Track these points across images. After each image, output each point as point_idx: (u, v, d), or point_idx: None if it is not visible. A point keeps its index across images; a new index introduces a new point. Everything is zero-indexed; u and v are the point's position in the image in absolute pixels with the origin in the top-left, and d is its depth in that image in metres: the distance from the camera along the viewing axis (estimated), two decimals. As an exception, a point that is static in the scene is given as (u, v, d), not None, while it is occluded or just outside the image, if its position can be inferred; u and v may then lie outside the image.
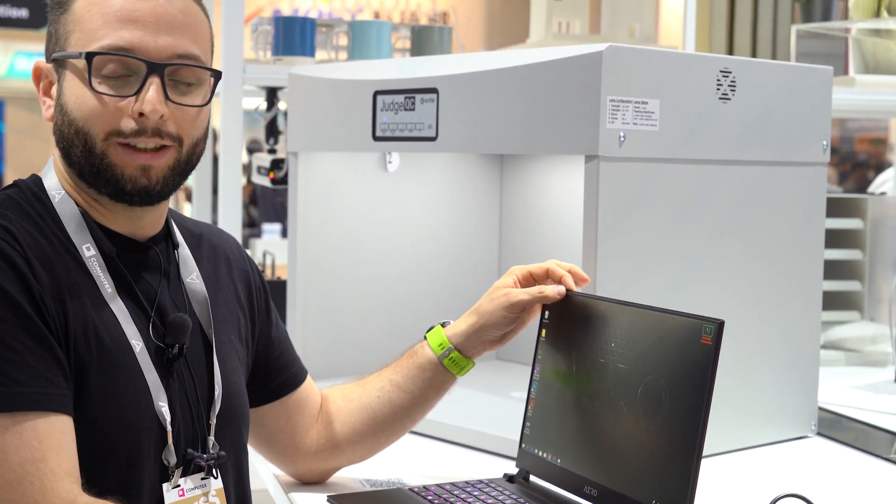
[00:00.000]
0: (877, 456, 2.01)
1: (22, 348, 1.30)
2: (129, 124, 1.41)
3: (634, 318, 1.51)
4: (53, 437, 1.29)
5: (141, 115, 1.40)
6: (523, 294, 1.66)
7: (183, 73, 1.44)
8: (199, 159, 1.51)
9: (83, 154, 1.42)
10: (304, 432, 1.73)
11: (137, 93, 1.41)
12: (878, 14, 3.31)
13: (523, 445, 1.67)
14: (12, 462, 1.27)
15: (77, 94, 1.42)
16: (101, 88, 1.40)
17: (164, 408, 1.42)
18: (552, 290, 1.64)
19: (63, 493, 1.27)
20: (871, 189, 5.18)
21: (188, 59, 1.44)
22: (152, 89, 1.40)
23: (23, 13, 11.30)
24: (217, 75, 1.49)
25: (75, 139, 1.42)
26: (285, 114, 2.97)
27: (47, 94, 1.48)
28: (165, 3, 1.43)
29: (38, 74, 1.49)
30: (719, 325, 1.39)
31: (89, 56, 1.40)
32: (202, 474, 1.47)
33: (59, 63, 1.45)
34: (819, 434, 2.13)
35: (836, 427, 2.21)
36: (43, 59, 1.48)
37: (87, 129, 1.41)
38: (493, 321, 1.67)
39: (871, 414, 2.34)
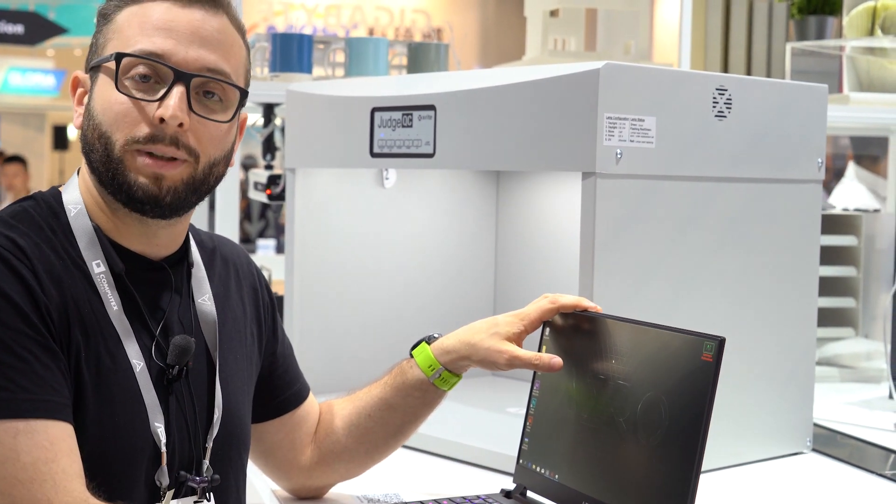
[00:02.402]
0: (871, 472, 2.02)
1: (30, 357, 1.31)
2: (144, 130, 1.40)
3: (635, 335, 1.52)
4: (63, 441, 1.30)
5: (161, 121, 1.40)
6: (519, 362, 1.61)
7: (211, 87, 1.44)
8: (216, 182, 1.49)
9: (102, 159, 1.42)
10: (301, 449, 1.73)
11: (161, 99, 1.41)
12: (872, 32, 3.32)
13: (521, 461, 1.67)
14: (25, 462, 1.28)
15: (104, 98, 1.42)
16: (124, 88, 1.41)
17: (160, 429, 1.41)
18: (546, 363, 1.59)
19: (76, 492, 1.29)
20: (830, 201, 5.22)
21: (217, 74, 1.44)
22: (176, 96, 1.40)
23: (18, 29, 11.30)
24: (244, 94, 1.49)
25: (97, 143, 1.42)
26: (282, 130, 2.98)
27: (80, 103, 1.48)
28: (202, 19, 1.43)
29: (75, 84, 1.49)
30: (720, 343, 1.39)
31: (119, 56, 1.41)
32: (195, 497, 1.46)
33: (95, 70, 1.45)
34: (814, 450, 2.13)
35: (830, 443, 2.22)
36: (82, 71, 1.49)
37: (109, 134, 1.41)
38: (485, 363, 1.64)
39: (865, 430, 2.35)
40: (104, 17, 1.47)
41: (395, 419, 1.70)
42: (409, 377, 1.69)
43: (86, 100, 1.47)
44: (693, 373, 1.41)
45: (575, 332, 1.62)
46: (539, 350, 1.67)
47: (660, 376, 1.45)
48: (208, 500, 1.48)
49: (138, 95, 1.41)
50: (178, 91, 1.40)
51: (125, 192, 1.42)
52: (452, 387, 1.70)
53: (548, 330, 1.66)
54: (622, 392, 1.50)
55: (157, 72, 1.42)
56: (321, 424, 1.75)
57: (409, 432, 1.73)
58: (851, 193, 5.13)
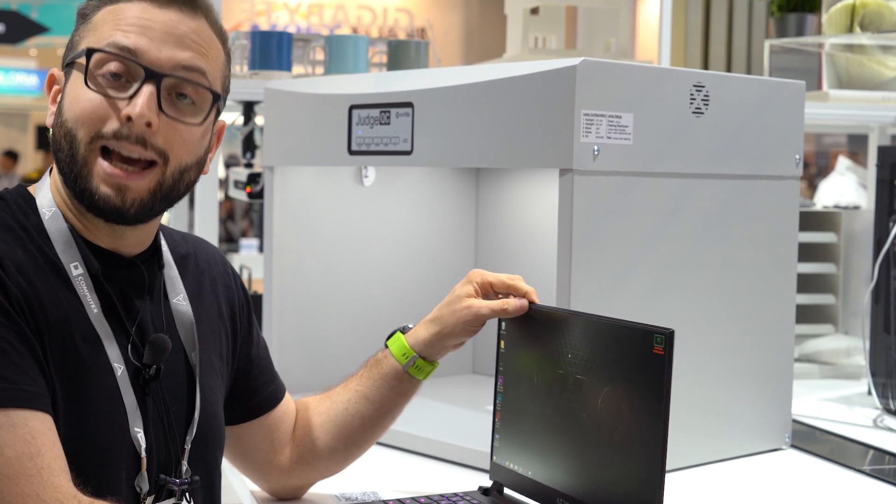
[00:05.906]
0: (850, 468, 2.02)
1: (7, 346, 1.29)
2: (112, 126, 1.38)
3: (588, 329, 1.50)
4: (44, 434, 1.29)
5: (129, 119, 1.38)
6: (486, 308, 1.63)
7: (184, 90, 1.42)
8: (186, 189, 1.47)
9: (67, 159, 1.40)
10: (280, 449, 1.72)
11: (131, 97, 1.39)
12: (851, 29, 3.34)
13: (495, 458, 1.67)
14: (9, 456, 1.26)
15: (73, 95, 1.40)
16: (94, 85, 1.39)
17: (139, 434, 1.40)
18: (514, 305, 1.62)
19: (63, 487, 1.27)
20: (816, 198, 5.23)
21: (191, 73, 1.42)
22: (144, 94, 1.38)
23: (-1, 28, 11.26)
24: (217, 98, 1.46)
25: (63, 142, 1.40)
26: (262, 128, 2.97)
27: (54, 101, 1.46)
28: (179, 20, 1.41)
29: (51, 82, 1.47)
30: (669, 335, 1.38)
31: (89, 52, 1.39)
32: (174, 499, 1.45)
33: (69, 68, 1.43)
34: (793, 446, 2.14)
35: (809, 439, 2.22)
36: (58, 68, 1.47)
37: (75, 132, 1.39)
38: (455, 332, 1.65)
39: (844, 426, 2.35)
40: (83, 16, 1.45)
41: (371, 411, 1.70)
42: (384, 367, 1.69)
43: (59, 98, 1.45)
44: (646, 366, 1.40)
45: (530, 326, 1.61)
46: (498, 346, 1.67)
47: (615, 370, 1.45)
48: (188, 501, 1.47)
49: (109, 93, 1.39)
50: (147, 90, 1.38)
51: (87, 198, 1.40)
52: (427, 376, 1.70)
53: (504, 324, 1.66)
54: (582, 387, 1.50)
55: (129, 70, 1.40)
56: (298, 423, 1.74)
57: (385, 425, 1.73)
58: (839, 187, 5.14)
